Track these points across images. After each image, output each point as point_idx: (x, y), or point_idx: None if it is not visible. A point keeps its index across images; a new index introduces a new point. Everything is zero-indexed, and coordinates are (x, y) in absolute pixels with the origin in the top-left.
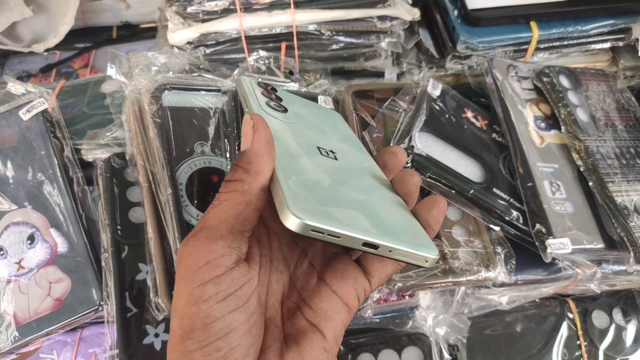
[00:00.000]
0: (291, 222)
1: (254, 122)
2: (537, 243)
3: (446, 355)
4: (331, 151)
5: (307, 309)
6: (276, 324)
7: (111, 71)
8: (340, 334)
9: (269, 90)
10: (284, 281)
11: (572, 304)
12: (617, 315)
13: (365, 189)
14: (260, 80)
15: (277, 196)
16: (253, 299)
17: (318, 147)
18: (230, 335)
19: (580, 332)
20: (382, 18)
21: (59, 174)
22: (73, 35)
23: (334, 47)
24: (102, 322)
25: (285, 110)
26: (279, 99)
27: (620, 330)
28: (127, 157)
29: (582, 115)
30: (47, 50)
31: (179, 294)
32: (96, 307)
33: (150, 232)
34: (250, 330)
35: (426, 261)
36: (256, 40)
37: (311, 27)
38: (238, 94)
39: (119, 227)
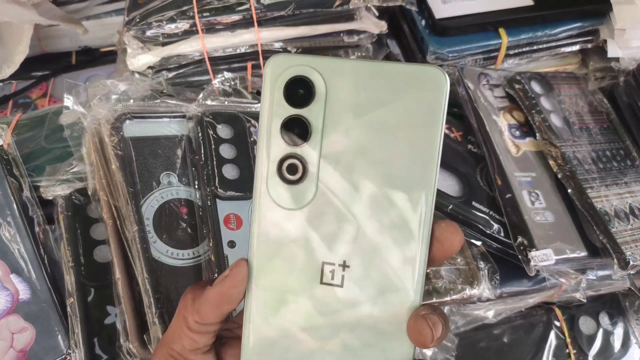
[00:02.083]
0: None
1: (229, 273)
2: (519, 256)
3: None
4: (342, 264)
5: None
6: None
7: (68, 102)
8: None
9: (294, 119)
10: None
11: (558, 312)
12: (604, 319)
13: (348, 350)
14: (294, 74)
15: None
16: None
17: (323, 264)
18: None
19: (568, 340)
20: (349, 32)
21: (17, 215)
22: (30, 63)
23: None
24: None
25: (302, 177)
26: (303, 131)
27: (607, 335)
28: (89, 193)
29: (556, 120)
30: (1, 81)
31: None
32: (63, 356)
33: (118, 273)
34: None
35: None
36: (220, 61)
37: (277, 45)
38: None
39: (83, 268)
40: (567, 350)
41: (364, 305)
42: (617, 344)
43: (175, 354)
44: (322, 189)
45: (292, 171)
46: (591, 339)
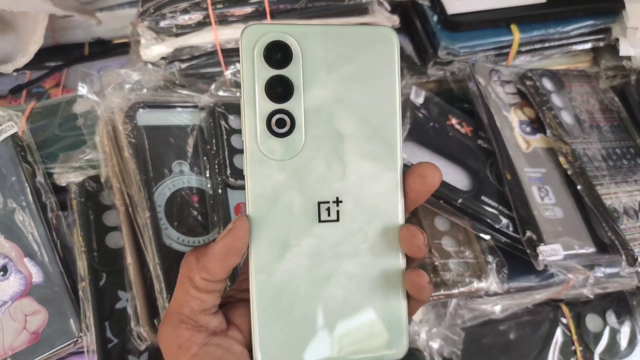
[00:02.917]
0: None
1: (233, 226)
2: (528, 250)
3: None
4: (336, 200)
5: None
6: None
7: (82, 90)
8: None
9: (277, 77)
10: None
11: (565, 309)
12: (611, 317)
13: (352, 276)
14: (271, 39)
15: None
16: None
17: (319, 204)
18: None
19: (574, 337)
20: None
21: (31, 200)
22: (43, 54)
23: None
24: (83, 352)
25: (290, 130)
26: (287, 89)
27: (614, 333)
28: (102, 180)
29: (566, 117)
30: (16, 70)
31: None
32: (75, 339)
33: (129, 258)
34: None
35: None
36: (233, 53)
37: None
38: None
39: (95, 253)
40: (574, 347)
41: (359, 233)
42: (623, 342)
43: (185, 317)
44: (309, 138)
45: (280, 125)
46: (598, 336)
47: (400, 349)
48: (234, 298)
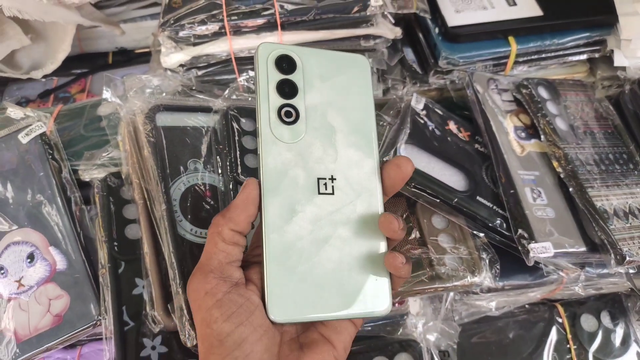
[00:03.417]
0: (272, 319)
1: (245, 183)
2: (519, 248)
3: None
4: (331, 178)
5: (320, 325)
6: (291, 335)
7: (107, 94)
8: (348, 345)
9: (286, 80)
10: None
11: (560, 309)
12: (605, 318)
13: (345, 240)
14: (280, 53)
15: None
16: (257, 313)
17: (318, 179)
18: (243, 345)
19: (569, 336)
20: (365, 37)
21: (57, 194)
22: (70, 62)
23: None
24: (101, 338)
25: (295, 120)
26: (293, 89)
27: (608, 333)
28: (123, 176)
29: (561, 124)
30: (45, 76)
31: (196, 322)
32: (94, 322)
33: (146, 248)
34: (260, 339)
35: (376, 314)
36: (246, 61)
37: None
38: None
39: (115, 243)
40: (568, 346)
41: (349, 205)
42: (617, 342)
43: (213, 268)
44: (309, 127)
45: (288, 116)
46: (592, 336)
47: (384, 307)
48: (249, 261)
